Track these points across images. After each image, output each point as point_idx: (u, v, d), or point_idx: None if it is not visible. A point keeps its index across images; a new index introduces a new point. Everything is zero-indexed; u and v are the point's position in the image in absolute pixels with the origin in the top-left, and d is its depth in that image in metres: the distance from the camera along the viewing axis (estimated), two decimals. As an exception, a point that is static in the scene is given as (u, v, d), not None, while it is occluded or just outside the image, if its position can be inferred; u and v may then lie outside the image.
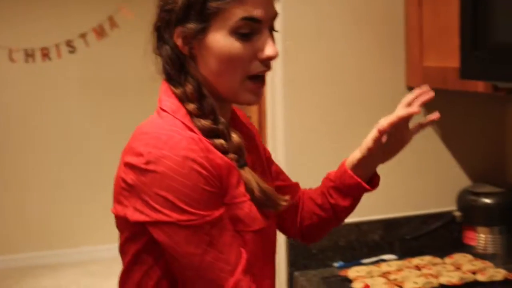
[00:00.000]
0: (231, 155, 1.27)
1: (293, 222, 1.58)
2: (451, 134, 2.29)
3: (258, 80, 1.29)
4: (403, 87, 2.21)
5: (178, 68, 1.29)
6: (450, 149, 2.29)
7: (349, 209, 1.54)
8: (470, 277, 1.94)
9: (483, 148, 2.33)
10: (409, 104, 1.43)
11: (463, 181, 2.30)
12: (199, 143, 1.21)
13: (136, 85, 5.31)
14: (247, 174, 1.28)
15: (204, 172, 1.19)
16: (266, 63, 1.28)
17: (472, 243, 2.17)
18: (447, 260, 2.10)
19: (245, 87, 1.27)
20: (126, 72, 5.47)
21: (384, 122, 1.41)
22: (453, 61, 1.76)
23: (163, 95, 1.29)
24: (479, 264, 2.03)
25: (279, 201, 1.31)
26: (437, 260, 2.10)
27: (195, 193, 1.18)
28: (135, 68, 5.13)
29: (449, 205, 2.27)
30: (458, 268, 2.02)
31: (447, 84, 1.96)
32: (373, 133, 1.44)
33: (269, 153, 1.56)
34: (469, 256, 2.11)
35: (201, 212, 1.19)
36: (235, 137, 1.29)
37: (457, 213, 2.23)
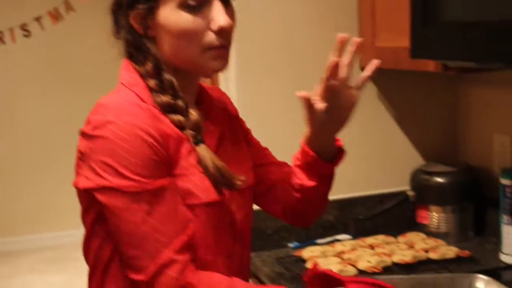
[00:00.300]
0: (188, 132, 1.29)
1: (277, 204, 1.56)
2: (404, 114, 2.31)
3: (219, 47, 1.29)
4: (356, 67, 2.20)
5: (137, 49, 1.31)
6: (403, 129, 2.31)
7: (317, 190, 1.49)
8: (422, 255, 1.96)
9: (436, 128, 2.35)
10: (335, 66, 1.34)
11: (416, 160, 2.32)
12: (147, 111, 1.24)
13: (94, 69, 5.24)
14: (203, 151, 1.29)
15: (149, 139, 1.21)
16: (222, 34, 1.28)
17: (425, 222, 2.20)
18: (401, 239, 2.12)
19: (206, 57, 1.28)
20: (82, 56, 5.40)
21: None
22: (405, 41, 1.77)
23: (123, 70, 1.33)
24: (431, 242, 2.05)
25: (234, 180, 1.31)
26: (391, 239, 2.12)
27: (138, 159, 1.20)
28: (92, 52, 5.07)
29: (402, 185, 2.30)
30: (411, 246, 2.04)
31: (399, 64, 1.97)
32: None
33: (248, 132, 1.56)
34: (422, 235, 2.13)
35: (143, 180, 1.20)
36: (193, 114, 1.30)
37: (411, 193, 2.25)
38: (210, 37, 1.27)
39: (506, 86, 2.12)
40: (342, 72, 1.35)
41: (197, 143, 1.29)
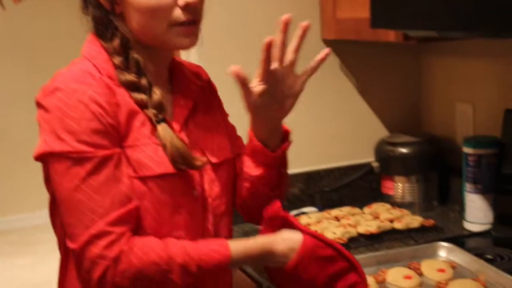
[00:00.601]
0: (150, 111, 1.28)
1: (236, 196, 1.49)
2: (367, 86, 2.31)
3: (186, 23, 1.27)
4: (318, 40, 2.21)
5: (105, 25, 1.30)
6: (367, 100, 2.31)
7: (264, 180, 1.41)
8: (387, 225, 1.97)
9: (399, 99, 2.36)
10: (265, 58, 1.29)
11: (381, 132, 2.32)
12: (98, 80, 1.23)
13: (57, 48, 5.16)
14: (163, 130, 1.28)
15: (94, 106, 1.20)
16: (189, 10, 1.26)
17: (390, 192, 2.20)
18: (366, 210, 2.13)
19: (173, 33, 1.27)
20: (47, 34, 5.31)
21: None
22: (365, 12, 1.76)
23: (87, 43, 1.32)
24: (396, 212, 2.07)
25: (193, 160, 1.29)
26: (356, 210, 2.13)
27: (81, 127, 1.19)
28: (56, 30, 4.99)
29: (367, 157, 2.30)
30: (376, 217, 2.05)
31: (360, 35, 1.96)
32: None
33: (226, 116, 1.52)
34: (387, 205, 2.15)
35: (84, 148, 1.19)
36: (156, 93, 1.29)
37: (375, 164, 2.26)
38: (177, 12, 1.25)
39: (467, 55, 2.12)
40: (288, 57, 1.31)
41: (158, 122, 1.28)
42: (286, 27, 1.28)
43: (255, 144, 1.38)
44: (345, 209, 2.14)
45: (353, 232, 1.93)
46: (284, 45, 1.30)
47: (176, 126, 1.34)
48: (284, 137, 1.42)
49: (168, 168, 1.27)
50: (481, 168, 1.92)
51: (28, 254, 4.80)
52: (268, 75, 1.30)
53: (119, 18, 1.29)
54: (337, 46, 2.21)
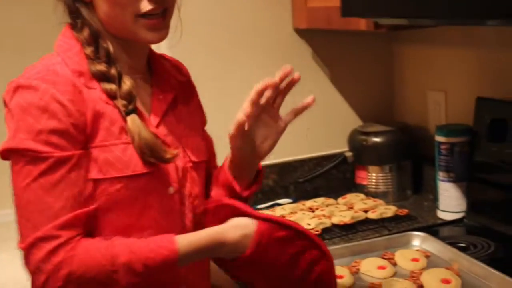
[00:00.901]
0: (119, 101, 1.24)
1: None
2: (339, 75, 2.29)
3: (154, 16, 1.23)
4: (290, 29, 2.19)
5: (75, 15, 1.27)
6: (339, 90, 2.30)
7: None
8: (361, 215, 1.97)
9: (372, 88, 2.35)
10: (256, 99, 1.28)
11: (354, 121, 2.32)
12: (62, 77, 1.20)
13: (34, 38, 5.09)
14: (131, 121, 1.24)
15: (55, 105, 1.17)
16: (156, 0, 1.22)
17: (364, 182, 2.20)
18: (340, 200, 2.13)
19: (139, 25, 1.23)
20: (22, 27, 5.24)
21: (232, 126, 1.30)
22: (336, 0, 1.74)
23: (60, 36, 1.29)
24: (370, 202, 2.06)
25: (163, 153, 1.25)
26: (331, 201, 2.13)
27: (39, 125, 1.16)
28: (31, 23, 4.92)
29: (340, 146, 2.29)
30: (350, 207, 2.04)
31: (331, 24, 1.95)
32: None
33: (204, 124, 1.49)
34: (361, 195, 2.14)
35: (38, 146, 1.16)
36: (126, 83, 1.25)
37: (349, 154, 2.25)
38: (143, 2, 1.22)
39: (439, 43, 2.12)
40: (277, 100, 1.34)
41: (128, 113, 1.24)
42: (284, 77, 1.31)
43: (227, 178, 1.36)
44: (320, 200, 2.13)
45: (327, 222, 1.92)
46: (276, 90, 1.31)
47: (154, 119, 1.31)
48: (257, 177, 1.41)
49: (137, 167, 1.23)
50: (454, 156, 1.91)
51: (5, 250, 4.75)
52: (253, 115, 1.30)
53: (89, 7, 1.26)
54: (309, 35, 2.20)
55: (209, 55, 2.12)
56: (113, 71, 1.25)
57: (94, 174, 1.20)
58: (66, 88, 1.19)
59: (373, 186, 2.18)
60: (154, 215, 1.27)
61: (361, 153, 2.21)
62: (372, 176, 2.18)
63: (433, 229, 1.87)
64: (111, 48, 1.26)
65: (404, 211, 1.99)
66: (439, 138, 1.94)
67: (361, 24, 1.81)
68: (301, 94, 2.31)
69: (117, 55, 1.27)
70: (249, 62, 2.15)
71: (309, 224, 1.89)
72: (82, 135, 1.20)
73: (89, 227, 1.20)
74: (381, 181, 2.17)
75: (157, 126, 1.30)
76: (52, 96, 1.17)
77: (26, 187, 1.16)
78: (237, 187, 1.36)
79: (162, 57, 1.42)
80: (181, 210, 1.32)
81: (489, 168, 1.84)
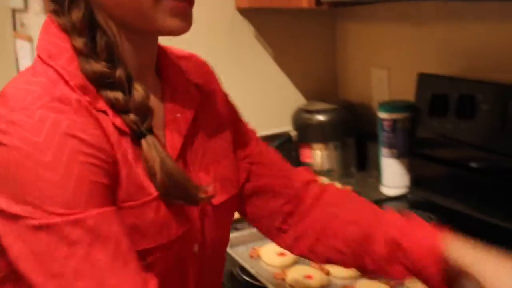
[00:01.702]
0: (130, 117, 0.86)
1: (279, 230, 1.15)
2: (282, 54, 2.29)
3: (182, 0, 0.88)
4: (232, 8, 2.17)
5: None
6: (283, 69, 2.29)
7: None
8: (306, 193, 1.96)
9: (316, 66, 2.35)
10: None
11: (298, 100, 2.31)
12: (73, 103, 0.81)
13: None
14: (149, 147, 0.86)
15: (83, 150, 0.79)
16: None
17: (309, 160, 2.20)
18: (285, 179, 2.12)
19: (160, 10, 0.86)
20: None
21: None
22: (277, -22, 1.74)
23: (42, 35, 0.90)
24: (315, 180, 2.06)
25: (194, 191, 0.90)
26: (276, 179, 2.12)
27: (61, 184, 0.77)
28: None
29: (285, 125, 2.29)
30: (295, 185, 2.04)
31: (273, 2, 1.94)
32: None
33: (238, 117, 1.17)
34: (306, 174, 2.14)
35: (56, 209, 0.77)
36: (138, 90, 0.88)
37: (293, 132, 2.25)
38: None
39: (381, 19, 2.13)
40: None
41: (141, 135, 0.87)
42: None
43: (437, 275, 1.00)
44: (264, 179, 2.12)
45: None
46: None
47: (171, 146, 0.94)
48: None
49: (176, 230, 0.90)
50: (396, 132, 1.93)
51: None
52: None
53: None
54: (251, 14, 2.19)
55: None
56: (119, 72, 0.87)
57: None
58: (80, 116, 0.82)
59: (318, 164, 2.19)
60: (183, 276, 0.96)
61: (306, 131, 2.22)
62: (317, 154, 2.18)
63: (377, 204, 1.86)
64: (114, 40, 0.88)
65: (348, 188, 2.00)
66: (382, 115, 1.95)
67: (303, 1, 1.79)
68: (246, 74, 2.31)
69: (124, 51, 0.90)
70: (192, 42, 2.12)
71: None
72: (110, 183, 0.84)
73: None
74: (325, 159, 2.18)
75: (175, 161, 0.92)
76: (55, 123, 0.80)
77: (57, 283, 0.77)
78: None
79: (174, 54, 1.07)
80: (200, 269, 0.99)
81: (431, 143, 1.86)
